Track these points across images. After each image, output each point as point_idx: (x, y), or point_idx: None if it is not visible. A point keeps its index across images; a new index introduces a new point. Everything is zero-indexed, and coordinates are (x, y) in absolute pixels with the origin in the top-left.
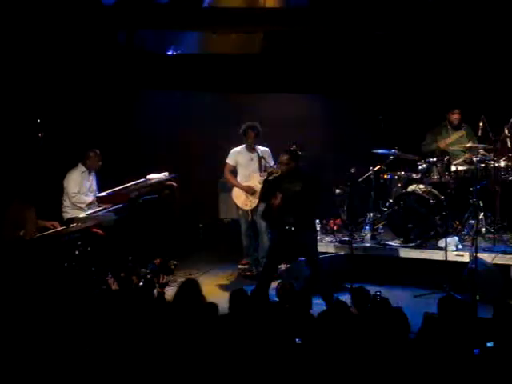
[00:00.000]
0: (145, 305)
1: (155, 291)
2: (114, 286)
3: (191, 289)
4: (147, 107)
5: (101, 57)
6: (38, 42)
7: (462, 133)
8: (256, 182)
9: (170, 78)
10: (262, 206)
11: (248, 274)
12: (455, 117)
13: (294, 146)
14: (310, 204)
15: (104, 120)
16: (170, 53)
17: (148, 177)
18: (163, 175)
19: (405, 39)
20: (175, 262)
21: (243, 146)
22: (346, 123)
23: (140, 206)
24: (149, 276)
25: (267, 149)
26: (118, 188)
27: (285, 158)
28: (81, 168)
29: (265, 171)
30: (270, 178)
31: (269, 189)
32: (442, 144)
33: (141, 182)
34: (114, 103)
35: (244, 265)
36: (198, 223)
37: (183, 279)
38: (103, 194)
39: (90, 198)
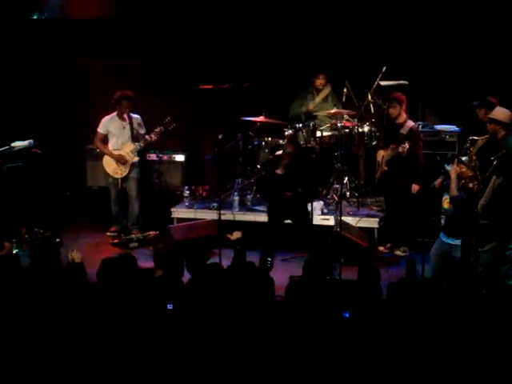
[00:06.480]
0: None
1: None
2: None
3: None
4: (14, 73)
5: None
6: None
7: (325, 92)
8: (128, 150)
9: (34, 43)
10: (133, 174)
11: (116, 241)
12: (320, 82)
13: (168, 119)
14: None
15: None
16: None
17: (12, 144)
18: (28, 142)
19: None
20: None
21: (114, 114)
22: (216, 90)
23: (4, 173)
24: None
25: (138, 116)
26: None
27: None
28: None
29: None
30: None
31: None
32: (310, 106)
33: (4, 149)
34: None
35: (113, 232)
36: (65, 191)
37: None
38: None
39: None
